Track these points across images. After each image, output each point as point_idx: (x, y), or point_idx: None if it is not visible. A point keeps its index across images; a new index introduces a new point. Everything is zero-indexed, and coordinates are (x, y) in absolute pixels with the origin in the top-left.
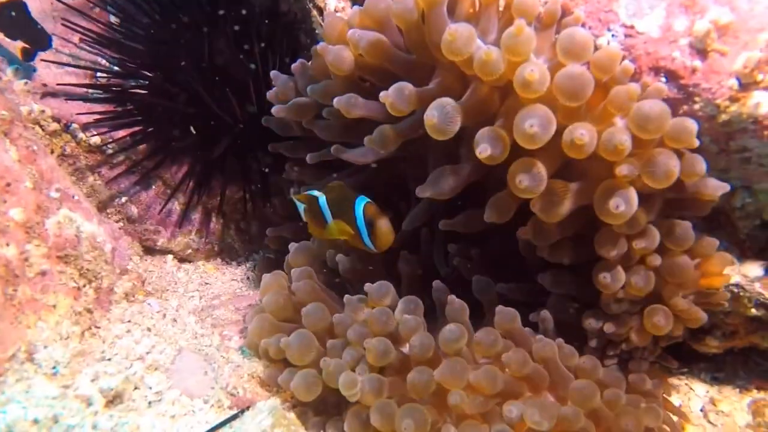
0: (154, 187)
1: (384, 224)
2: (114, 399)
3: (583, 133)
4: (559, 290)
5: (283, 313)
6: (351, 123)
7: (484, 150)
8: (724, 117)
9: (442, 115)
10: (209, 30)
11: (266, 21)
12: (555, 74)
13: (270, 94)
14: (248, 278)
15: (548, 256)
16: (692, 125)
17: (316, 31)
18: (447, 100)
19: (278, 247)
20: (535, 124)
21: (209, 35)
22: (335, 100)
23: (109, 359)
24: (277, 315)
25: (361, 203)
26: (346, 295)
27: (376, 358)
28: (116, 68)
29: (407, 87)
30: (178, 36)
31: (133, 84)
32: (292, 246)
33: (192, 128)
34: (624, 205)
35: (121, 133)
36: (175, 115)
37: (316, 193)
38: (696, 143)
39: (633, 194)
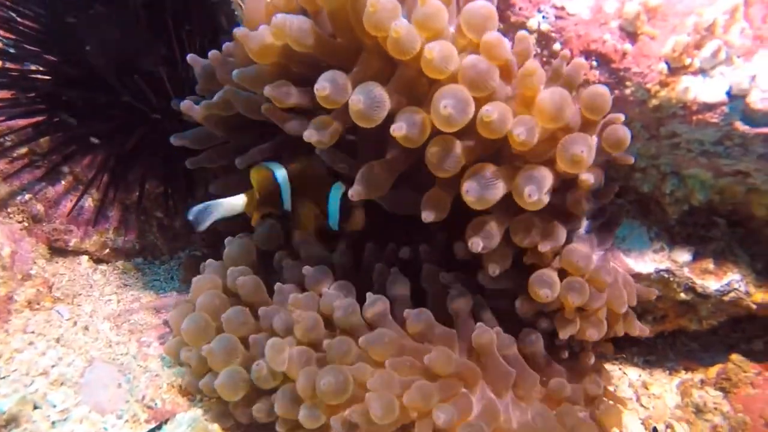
0: (62, 182)
1: (359, 214)
2: (7, 424)
3: (489, 109)
4: (497, 286)
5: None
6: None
7: (399, 129)
8: (654, 102)
9: (368, 100)
10: (117, 9)
11: (181, 1)
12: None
13: (184, 105)
14: (172, 278)
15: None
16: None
17: (236, 13)
18: (373, 84)
19: (209, 243)
20: (449, 105)
21: (117, 15)
22: (265, 90)
23: (4, 377)
24: (213, 316)
25: (339, 190)
26: (277, 284)
27: (304, 332)
28: (12, 50)
29: (341, 76)
30: (82, 15)
31: (33, 69)
32: (229, 241)
33: (103, 118)
34: (536, 193)
35: (22, 122)
36: (83, 104)
37: (274, 166)
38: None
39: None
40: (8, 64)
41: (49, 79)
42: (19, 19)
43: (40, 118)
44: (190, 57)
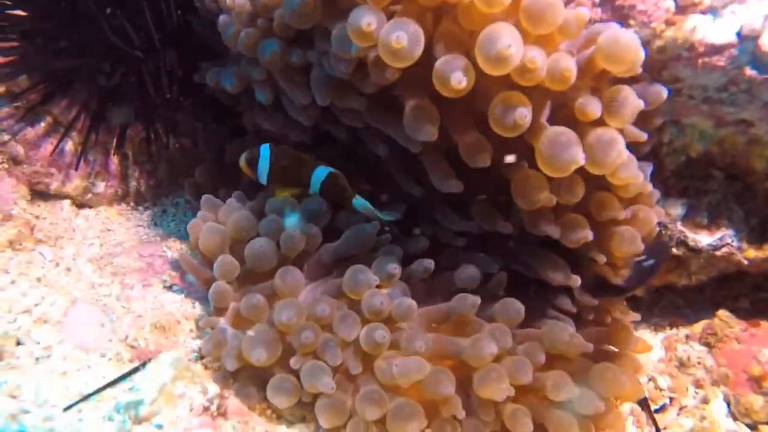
0: (42, 123)
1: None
2: None
3: (535, 54)
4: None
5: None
6: None
7: (460, 80)
8: (658, 43)
9: (411, 36)
10: None
11: None
12: None
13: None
14: (156, 224)
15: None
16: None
17: None
18: (408, 20)
19: (193, 193)
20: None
21: None
22: None
23: None
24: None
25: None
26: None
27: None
28: None
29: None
30: None
31: (9, 3)
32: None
33: (82, 56)
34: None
35: None
36: (61, 41)
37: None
38: None
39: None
40: None
41: (25, 16)
42: None
43: (17, 55)
44: None
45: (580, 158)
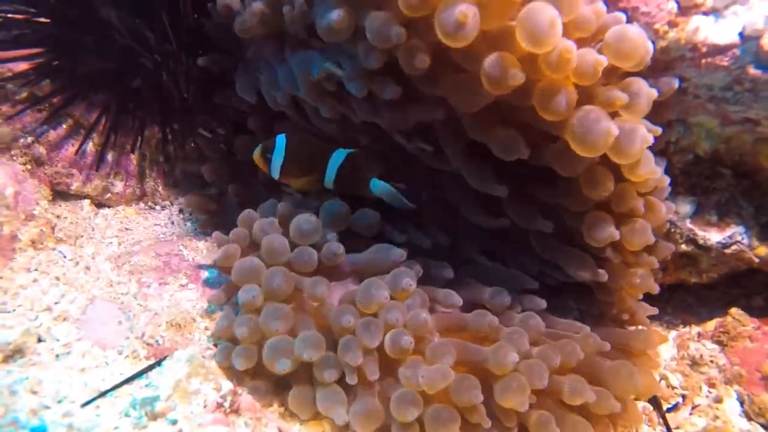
0: (63, 125)
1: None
2: (13, 354)
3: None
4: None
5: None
6: None
7: (514, 76)
8: (662, 43)
9: (473, 13)
10: None
11: None
12: None
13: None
14: (172, 222)
15: None
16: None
17: None
18: None
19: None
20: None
21: None
22: None
23: (10, 311)
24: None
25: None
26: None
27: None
28: None
29: None
30: None
31: (33, 11)
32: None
33: (103, 61)
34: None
35: (23, 65)
36: (84, 47)
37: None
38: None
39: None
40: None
41: (48, 22)
42: None
43: (40, 61)
44: None
45: (614, 129)
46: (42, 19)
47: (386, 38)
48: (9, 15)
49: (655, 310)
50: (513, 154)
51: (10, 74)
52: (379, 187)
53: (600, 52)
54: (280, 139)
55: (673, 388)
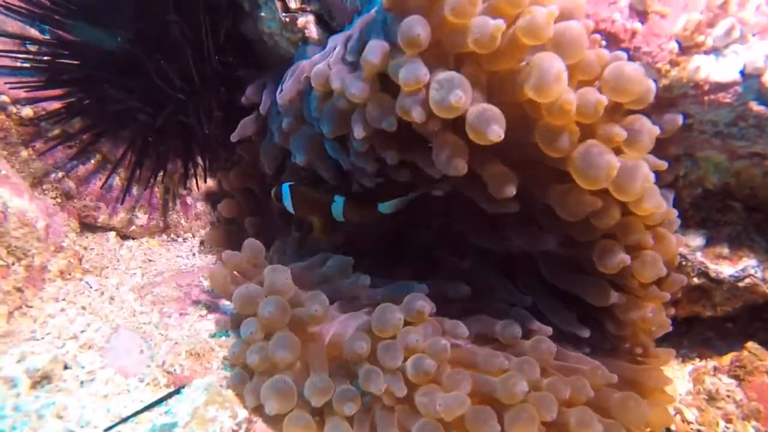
0: (92, 161)
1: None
2: (41, 380)
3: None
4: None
5: None
6: None
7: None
8: (664, 82)
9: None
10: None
11: None
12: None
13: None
14: (194, 254)
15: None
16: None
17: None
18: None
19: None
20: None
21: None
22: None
23: (39, 339)
24: None
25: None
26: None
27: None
28: (47, 37)
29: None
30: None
31: (65, 53)
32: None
33: (129, 99)
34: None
35: (56, 105)
36: (111, 86)
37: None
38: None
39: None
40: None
41: (77, 64)
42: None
43: (71, 100)
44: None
45: (615, 162)
46: (72, 61)
47: None
48: (44, 58)
49: (672, 353)
50: (504, 192)
51: (44, 113)
52: (386, 206)
53: (599, 89)
54: (285, 189)
55: (689, 423)
